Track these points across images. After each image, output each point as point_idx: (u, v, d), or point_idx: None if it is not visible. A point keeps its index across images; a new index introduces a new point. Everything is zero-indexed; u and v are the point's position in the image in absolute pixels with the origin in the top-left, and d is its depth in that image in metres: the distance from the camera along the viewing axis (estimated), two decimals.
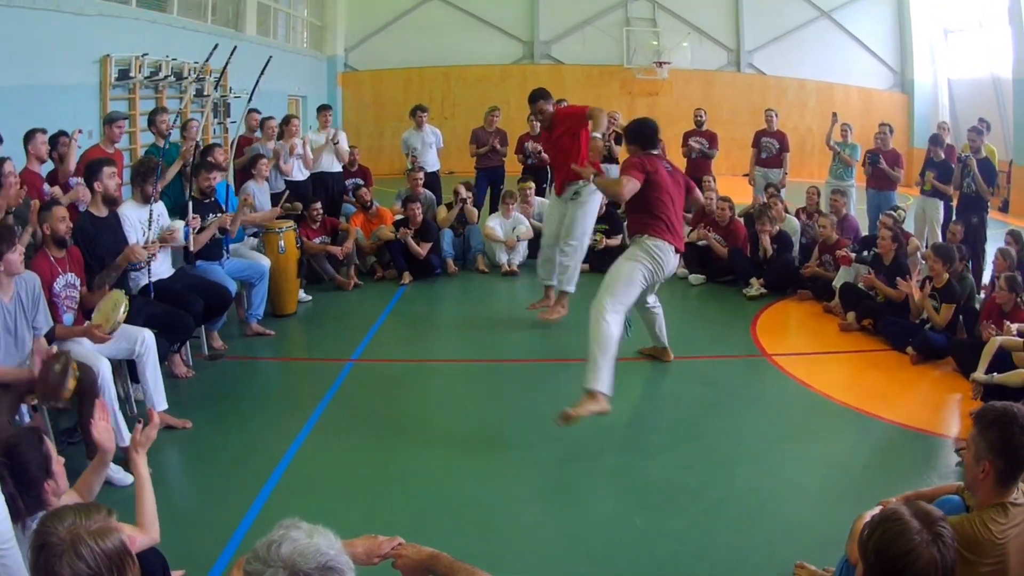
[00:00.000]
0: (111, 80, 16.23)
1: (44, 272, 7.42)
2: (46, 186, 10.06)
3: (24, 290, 6.93)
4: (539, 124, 11.94)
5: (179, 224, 9.88)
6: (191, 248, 9.93)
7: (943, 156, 15.29)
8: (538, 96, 11.72)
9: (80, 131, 11.63)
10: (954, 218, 14.29)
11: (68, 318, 7.71)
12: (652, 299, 9.93)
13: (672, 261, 9.01)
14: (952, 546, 3.40)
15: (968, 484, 4.55)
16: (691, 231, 15.24)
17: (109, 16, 16.14)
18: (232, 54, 12.15)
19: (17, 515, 4.38)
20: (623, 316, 8.66)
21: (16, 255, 6.76)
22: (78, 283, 7.85)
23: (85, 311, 7.90)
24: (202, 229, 10.14)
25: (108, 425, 4.88)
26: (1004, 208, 24.42)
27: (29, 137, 10.24)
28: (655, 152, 9.31)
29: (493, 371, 10.00)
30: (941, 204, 15.25)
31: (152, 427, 4.94)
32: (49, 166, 10.76)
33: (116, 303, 7.75)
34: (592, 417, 8.11)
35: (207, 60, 13.23)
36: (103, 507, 3.44)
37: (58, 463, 4.54)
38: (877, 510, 4.21)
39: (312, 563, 2.65)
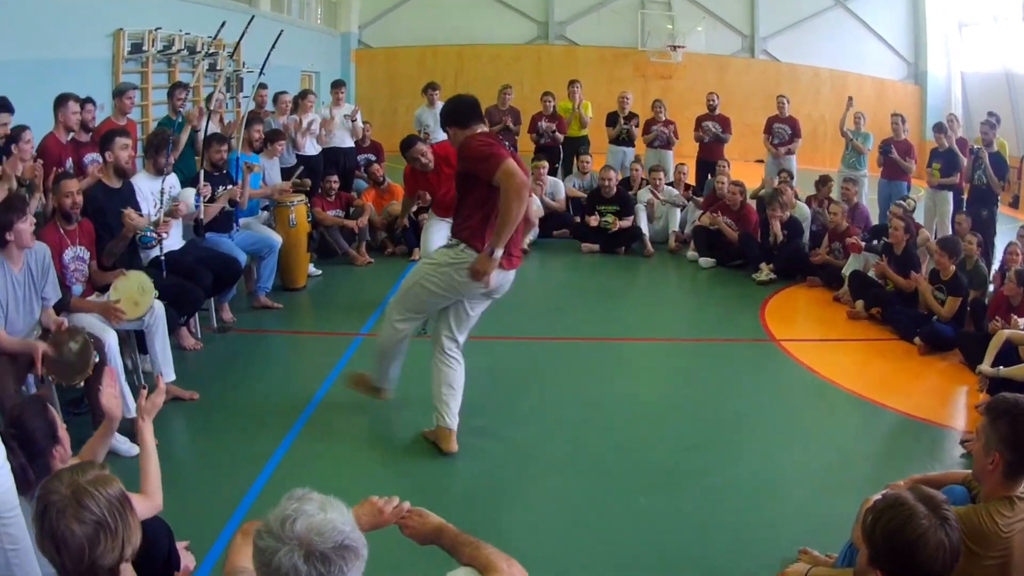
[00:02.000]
0: (124, 54, 16.19)
1: (53, 243, 7.45)
2: (69, 161, 9.99)
3: (34, 261, 6.95)
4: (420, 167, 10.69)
5: (190, 192, 9.89)
6: (202, 217, 9.94)
7: (947, 145, 15.26)
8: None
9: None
10: (964, 210, 14.29)
11: (77, 290, 7.77)
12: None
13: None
14: (957, 528, 3.42)
15: (976, 474, 4.55)
16: (702, 214, 15.26)
17: None
18: (248, 26, 12.11)
19: (28, 486, 4.38)
20: (410, 323, 7.74)
21: (26, 225, 6.76)
22: (87, 256, 7.89)
23: (96, 285, 7.94)
24: (212, 200, 10.16)
25: (116, 392, 4.88)
26: (1015, 203, 24.40)
27: (60, 102, 10.00)
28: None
29: (499, 348, 9.99)
30: (951, 196, 15.22)
31: (158, 394, 4.93)
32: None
33: (143, 287, 7.76)
34: (597, 395, 8.63)
35: (216, 35, 13.21)
36: (95, 462, 3.47)
37: (62, 428, 4.56)
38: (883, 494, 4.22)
39: (329, 542, 2.62)
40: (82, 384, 7.00)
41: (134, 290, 7.75)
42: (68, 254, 7.67)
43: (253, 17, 12.58)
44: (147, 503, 4.43)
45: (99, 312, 7.56)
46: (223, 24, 13.09)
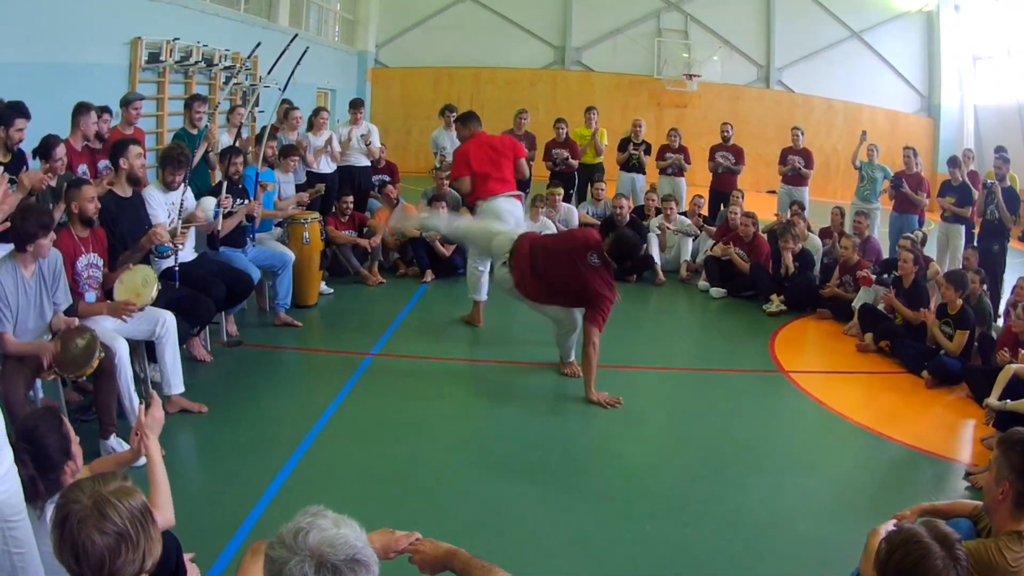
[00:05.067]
0: (141, 63, 16.26)
1: (68, 250, 7.48)
2: (82, 167, 10.02)
3: (46, 265, 7.00)
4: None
5: (211, 201, 9.94)
6: (219, 229, 9.97)
7: (960, 179, 15.28)
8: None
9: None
10: (975, 244, 14.29)
11: (90, 297, 7.77)
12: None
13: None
14: (967, 567, 3.44)
15: (986, 506, 4.57)
16: (714, 245, 15.27)
17: None
18: (291, 43, 12.04)
19: (37, 497, 4.38)
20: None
21: (47, 241, 6.83)
22: (101, 263, 7.89)
23: (107, 291, 7.96)
24: (228, 214, 10.19)
25: (149, 436, 4.85)
26: None
27: (79, 111, 10.16)
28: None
29: (510, 372, 10.03)
30: (963, 230, 15.26)
31: (156, 407, 4.91)
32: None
33: (146, 279, 7.83)
34: (606, 422, 8.61)
35: (252, 53, 13.29)
36: (116, 473, 3.46)
37: (75, 443, 4.57)
38: (891, 524, 4.25)
39: (341, 555, 2.63)
40: (86, 380, 7.07)
41: (137, 282, 7.81)
42: (82, 261, 7.69)
43: (296, 35, 12.56)
44: (159, 516, 4.45)
45: (108, 313, 7.62)
46: (258, 44, 13.14)
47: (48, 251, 6.91)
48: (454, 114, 16.13)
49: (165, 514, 4.53)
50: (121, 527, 3.14)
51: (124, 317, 7.63)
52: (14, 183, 8.00)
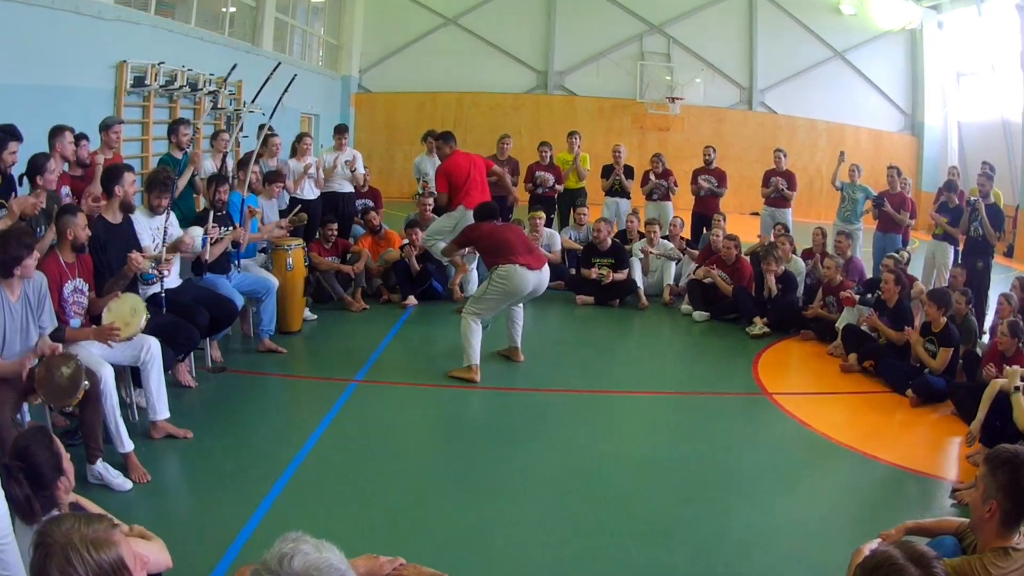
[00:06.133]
0: (126, 86, 16.29)
1: (54, 275, 7.49)
2: (65, 189, 9.97)
3: (31, 290, 7.03)
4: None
5: (198, 230, 9.91)
6: (205, 258, 9.96)
7: (957, 202, 15.29)
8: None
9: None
10: (959, 262, 14.33)
11: (75, 323, 7.73)
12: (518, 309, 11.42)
13: (528, 276, 10.52)
14: None
15: (973, 523, 4.59)
16: (697, 268, 15.29)
17: (127, 22, 16.20)
18: (274, 71, 12.05)
19: (32, 516, 4.39)
20: (479, 320, 10.69)
21: (32, 260, 6.86)
22: (87, 289, 7.89)
23: (93, 316, 7.95)
24: (215, 242, 10.19)
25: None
26: (1009, 253, 24.54)
27: (55, 133, 10.04)
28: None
29: (493, 397, 10.03)
30: (951, 249, 15.30)
31: None
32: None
33: (135, 309, 7.81)
34: (590, 447, 8.60)
35: (227, 76, 13.30)
36: (107, 518, 3.43)
37: (66, 459, 4.58)
38: (875, 543, 4.26)
39: None
40: (72, 409, 7.07)
41: (126, 311, 7.78)
42: (68, 287, 7.68)
43: (279, 64, 12.59)
44: (162, 555, 4.46)
45: (94, 338, 7.59)
46: (234, 67, 13.18)
47: (32, 270, 6.94)
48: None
49: (166, 553, 4.54)
50: None
51: (109, 343, 7.62)
52: (3, 208, 8.01)
